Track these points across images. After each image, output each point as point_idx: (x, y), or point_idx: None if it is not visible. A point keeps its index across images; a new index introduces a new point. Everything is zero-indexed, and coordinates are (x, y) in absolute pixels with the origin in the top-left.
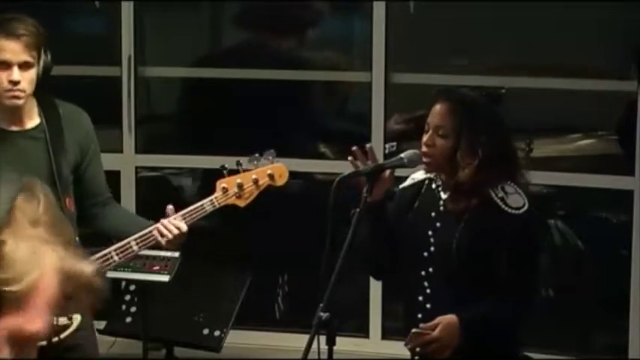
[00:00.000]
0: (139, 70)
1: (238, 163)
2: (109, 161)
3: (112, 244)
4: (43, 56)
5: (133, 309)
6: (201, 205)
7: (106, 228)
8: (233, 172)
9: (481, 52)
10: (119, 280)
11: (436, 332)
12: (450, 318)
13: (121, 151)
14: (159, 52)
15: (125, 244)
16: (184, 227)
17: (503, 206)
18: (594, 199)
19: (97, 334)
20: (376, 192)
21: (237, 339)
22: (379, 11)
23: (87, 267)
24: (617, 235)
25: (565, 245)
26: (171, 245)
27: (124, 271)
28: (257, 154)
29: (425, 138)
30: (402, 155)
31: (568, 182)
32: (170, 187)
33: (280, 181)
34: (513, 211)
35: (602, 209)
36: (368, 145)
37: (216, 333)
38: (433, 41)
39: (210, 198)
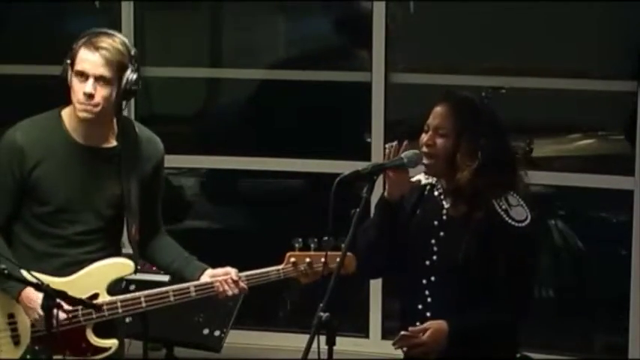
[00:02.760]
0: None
1: (311, 241)
2: None
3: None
4: (127, 75)
5: None
6: (267, 273)
7: (149, 255)
8: (304, 249)
9: (481, 52)
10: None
11: (424, 337)
12: (439, 324)
13: None
14: (159, 52)
15: (184, 288)
16: (246, 289)
17: (506, 219)
18: (594, 199)
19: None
20: (394, 192)
21: (237, 339)
22: (379, 11)
23: None
24: (617, 235)
25: (565, 245)
26: (224, 298)
27: None
28: (332, 238)
29: (425, 138)
30: (402, 155)
31: (568, 182)
32: (170, 187)
33: (349, 270)
34: (516, 224)
35: (602, 209)
36: (405, 142)
37: (216, 333)
38: (433, 41)
39: (277, 268)
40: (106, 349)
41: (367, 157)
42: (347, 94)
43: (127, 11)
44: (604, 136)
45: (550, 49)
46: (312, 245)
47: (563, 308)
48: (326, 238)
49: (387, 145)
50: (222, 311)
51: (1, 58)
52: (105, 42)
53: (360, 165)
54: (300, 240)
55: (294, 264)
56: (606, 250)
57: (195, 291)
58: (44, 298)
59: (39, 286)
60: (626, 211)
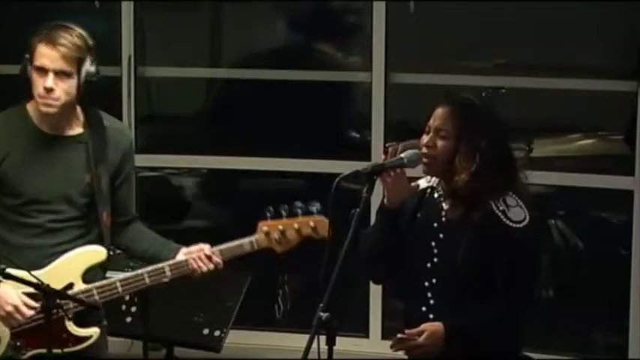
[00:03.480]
0: (139, 70)
1: (282, 209)
2: None
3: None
4: (86, 68)
5: (133, 309)
6: (240, 245)
7: (124, 245)
8: (276, 217)
9: (481, 51)
10: None
11: (420, 339)
12: (436, 326)
13: None
14: (159, 52)
15: (159, 268)
16: (221, 264)
17: (504, 219)
18: (594, 199)
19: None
20: (393, 198)
21: (237, 339)
22: (379, 11)
23: None
24: (617, 235)
25: (565, 245)
26: (200, 276)
27: (123, 271)
28: (301, 203)
29: (425, 139)
30: (402, 155)
31: (568, 182)
32: (170, 187)
33: (322, 234)
34: (514, 225)
35: (602, 209)
36: (394, 143)
37: (216, 333)
38: (433, 41)
39: (250, 239)
40: (87, 338)
41: (367, 157)
42: (340, 93)
43: (127, 11)
44: (604, 136)
45: (550, 48)
46: (284, 213)
47: (563, 308)
48: (298, 202)
49: (387, 145)
50: (222, 311)
51: (1, 57)
52: (63, 37)
53: (360, 165)
54: (270, 208)
55: (267, 233)
56: (606, 250)
57: (170, 270)
58: (44, 298)
59: (39, 286)
60: (626, 211)
